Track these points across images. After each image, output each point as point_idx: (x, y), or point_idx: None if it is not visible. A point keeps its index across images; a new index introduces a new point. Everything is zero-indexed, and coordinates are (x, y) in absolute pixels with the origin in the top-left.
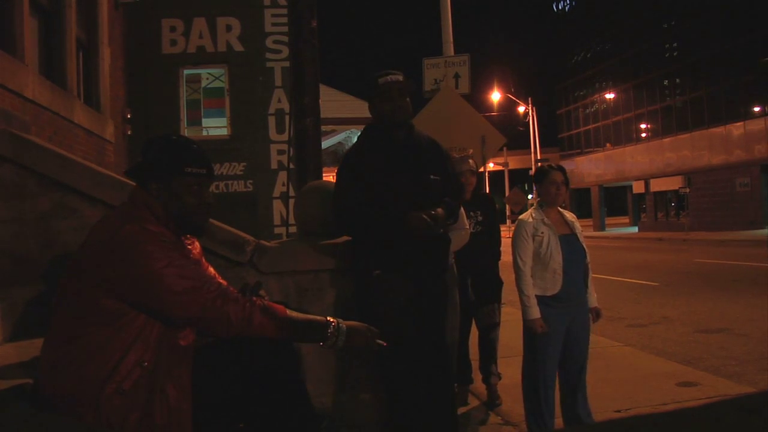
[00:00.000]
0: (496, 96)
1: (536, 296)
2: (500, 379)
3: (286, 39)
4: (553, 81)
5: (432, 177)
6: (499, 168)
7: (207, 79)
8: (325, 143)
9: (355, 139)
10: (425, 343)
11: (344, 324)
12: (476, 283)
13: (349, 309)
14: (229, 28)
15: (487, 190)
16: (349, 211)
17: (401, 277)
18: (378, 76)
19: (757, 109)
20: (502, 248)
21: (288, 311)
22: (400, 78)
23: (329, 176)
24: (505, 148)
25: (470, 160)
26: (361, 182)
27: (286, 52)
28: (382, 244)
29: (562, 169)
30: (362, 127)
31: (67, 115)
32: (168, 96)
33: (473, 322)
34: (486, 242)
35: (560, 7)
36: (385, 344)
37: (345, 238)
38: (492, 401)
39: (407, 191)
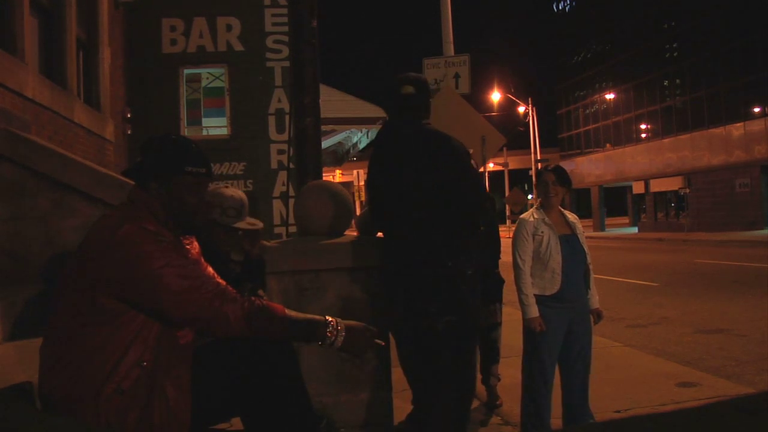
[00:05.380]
0: (496, 96)
1: (535, 296)
2: (499, 380)
3: (286, 39)
4: (553, 81)
5: (441, 174)
6: (499, 168)
7: (207, 78)
8: (325, 143)
9: (355, 139)
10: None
11: (343, 323)
12: None
13: (349, 309)
14: (229, 27)
15: (487, 191)
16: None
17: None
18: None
19: (757, 109)
20: (501, 248)
21: (287, 311)
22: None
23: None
24: (505, 149)
25: None
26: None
27: (286, 52)
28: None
29: (557, 170)
30: (362, 127)
31: (67, 114)
32: (168, 96)
33: None
34: (484, 241)
35: (560, 7)
36: (383, 344)
37: (347, 237)
38: (492, 402)
39: (409, 189)
